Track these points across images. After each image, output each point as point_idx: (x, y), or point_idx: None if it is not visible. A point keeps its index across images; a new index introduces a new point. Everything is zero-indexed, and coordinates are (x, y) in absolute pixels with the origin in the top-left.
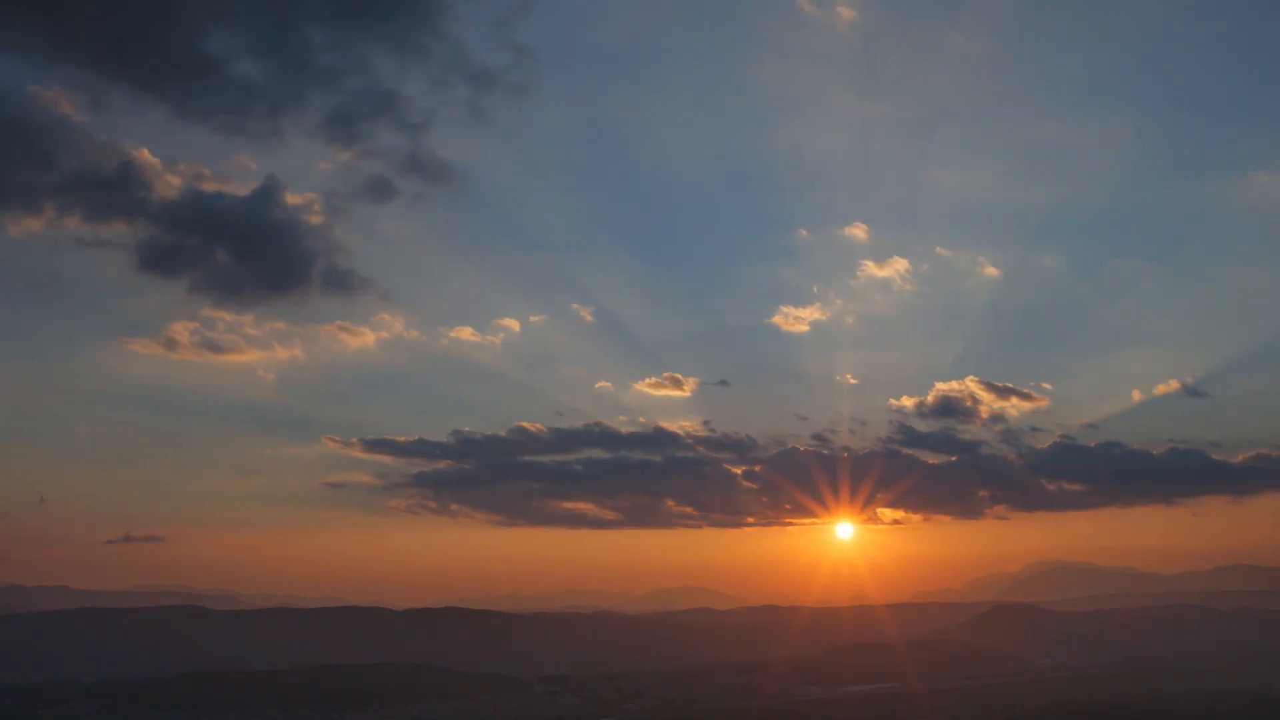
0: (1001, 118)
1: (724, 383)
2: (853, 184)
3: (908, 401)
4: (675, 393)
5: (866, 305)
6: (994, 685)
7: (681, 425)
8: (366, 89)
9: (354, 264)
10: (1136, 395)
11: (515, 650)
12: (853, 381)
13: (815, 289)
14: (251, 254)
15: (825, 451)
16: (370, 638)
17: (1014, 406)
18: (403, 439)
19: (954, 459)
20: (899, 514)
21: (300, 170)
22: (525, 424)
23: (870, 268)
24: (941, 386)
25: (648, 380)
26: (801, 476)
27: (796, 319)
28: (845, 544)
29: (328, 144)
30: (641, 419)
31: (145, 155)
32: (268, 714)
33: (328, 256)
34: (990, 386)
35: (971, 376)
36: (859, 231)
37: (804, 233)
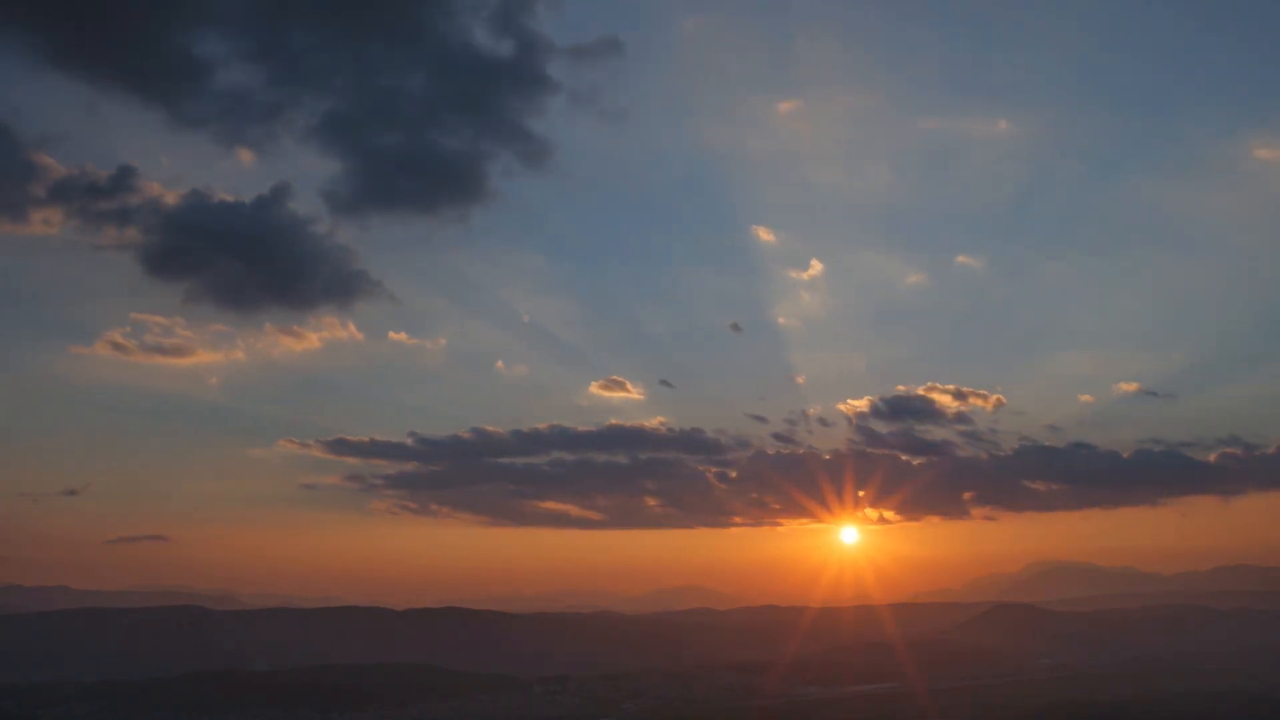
0: (907, 119)
1: (667, 384)
2: (769, 187)
3: (861, 403)
4: (626, 394)
5: (798, 309)
6: (994, 685)
7: (643, 425)
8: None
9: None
10: (1085, 397)
11: (515, 650)
12: (800, 382)
13: (743, 292)
14: (180, 257)
15: (801, 452)
16: (370, 638)
17: (974, 408)
18: (358, 439)
19: (932, 460)
20: (887, 514)
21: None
22: (486, 426)
23: (792, 273)
24: (901, 389)
25: (598, 382)
26: (786, 478)
27: (730, 323)
28: (841, 544)
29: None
30: (610, 420)
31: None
32: (268, 714)
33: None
34: (946, 390)
35: (930, 381)
36: (769, 235)
37: (725, 236)
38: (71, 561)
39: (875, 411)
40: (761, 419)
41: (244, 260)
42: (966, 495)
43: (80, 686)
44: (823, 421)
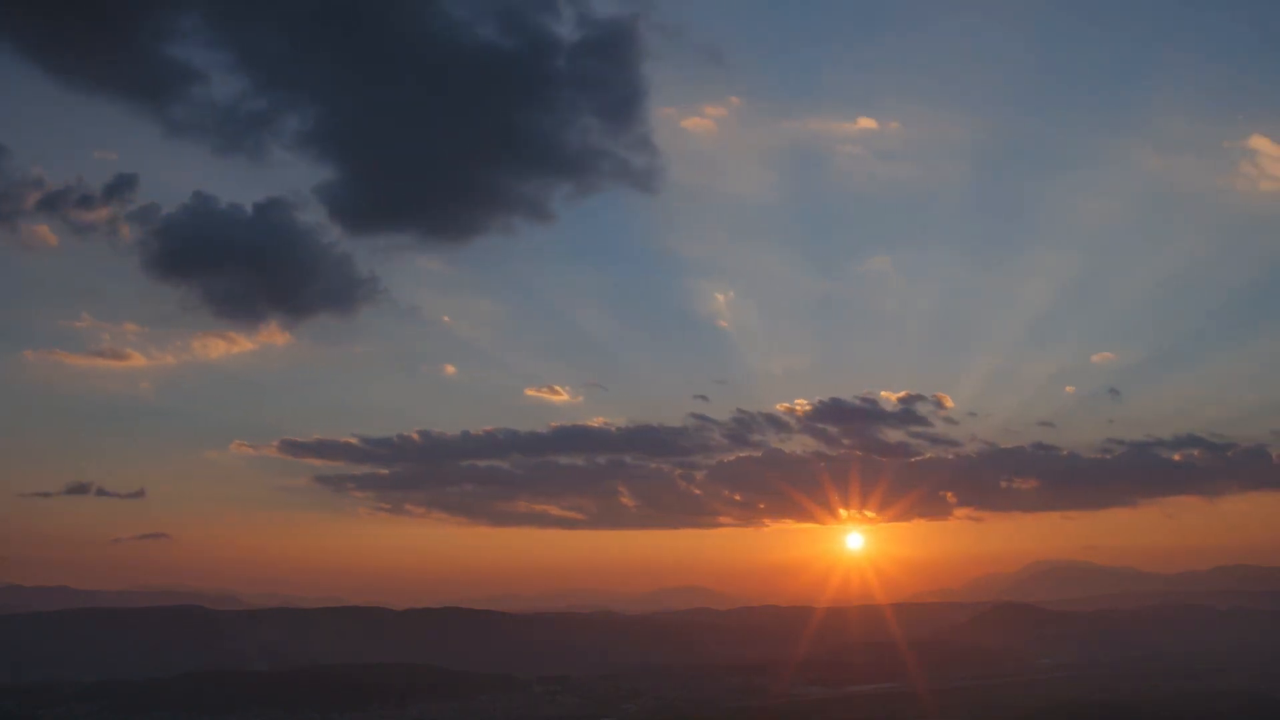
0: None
1: (599, 385)
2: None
3: (804, 404)
4: (563, 398)
5: (722, 312)
6: (994, 685)
7: (589, 424)
8: None
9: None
10: (1035, 397)
11: (515, 650)
12: (739, 382)
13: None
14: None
15: (762, 455)
16: (370, 638)
17: (925, 409)
18: (306, 441)
19: (904, 461)
20: (869, 514)
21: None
22: (431, 429)
23: (704, 281)
24: (844, 390)
25: (533, 385)
26: (760, 479)
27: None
28: (828, 545)
29: None
30: (551, 421)
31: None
32: (268, 714)
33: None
34: (894, 391)
35: (866, 383)
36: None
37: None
38: (72, 561)
39: (821, 413)
40: (708, 420)
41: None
42: (950, 496)
43: (80, 686)
44: (774, 423)
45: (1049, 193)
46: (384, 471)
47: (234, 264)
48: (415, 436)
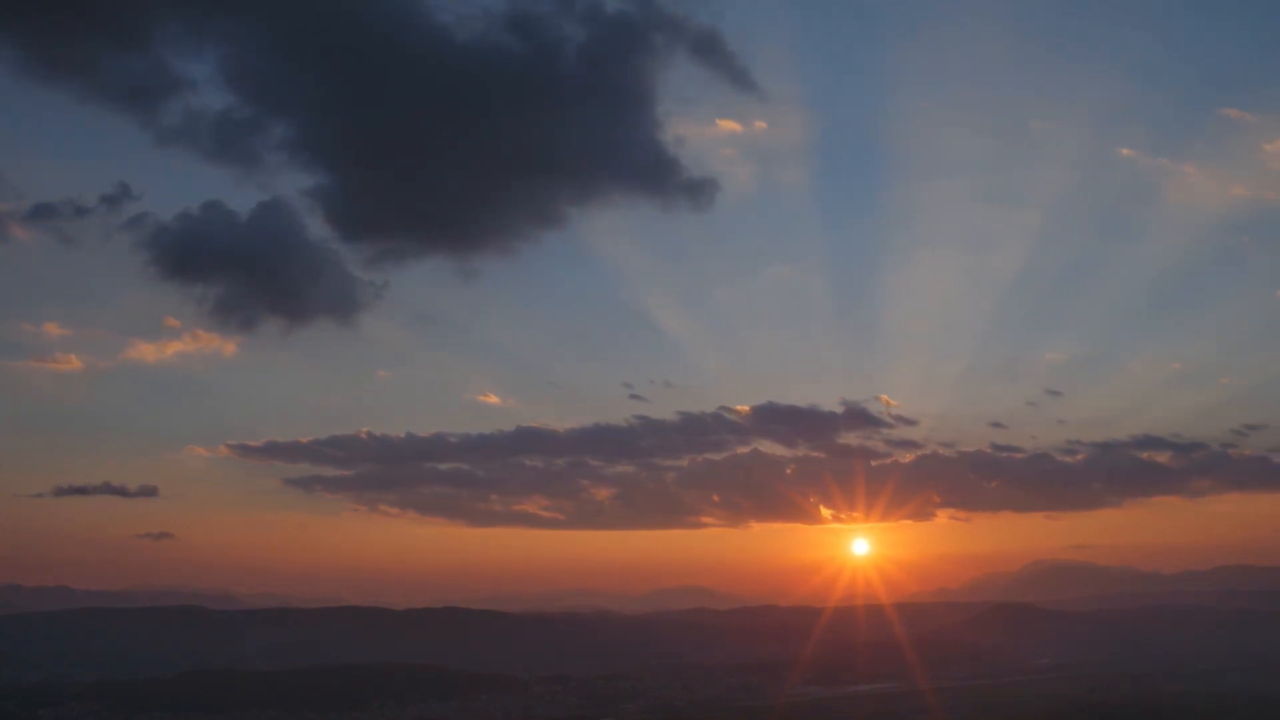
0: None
1: (543, 387)
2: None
3: (744, 408)
4: (498, 401)
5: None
6: (994, 685)
7: (543, 427)
8: None
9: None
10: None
11: (515, 650)
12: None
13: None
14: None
15: (745, 456)
16: (370, 638)
17: (877, 411)
18: (255, 444)
19: (867, 462)
20: (857, 515)
21: None
22: (375, 431)
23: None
24: (799, 396)
25: (473, 391)
26: (736, 482)
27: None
28: (829, 546)
29: None
30: (495, 425)
31: None
32: (268, 714)
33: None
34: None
35: (798, 385)
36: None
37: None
38: (72, 561)
39: (767, 415)
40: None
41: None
42: (935, 497)
43: (80, 686)
44: (728, 424)
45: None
46: (347, 473)
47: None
48: (363, 435)
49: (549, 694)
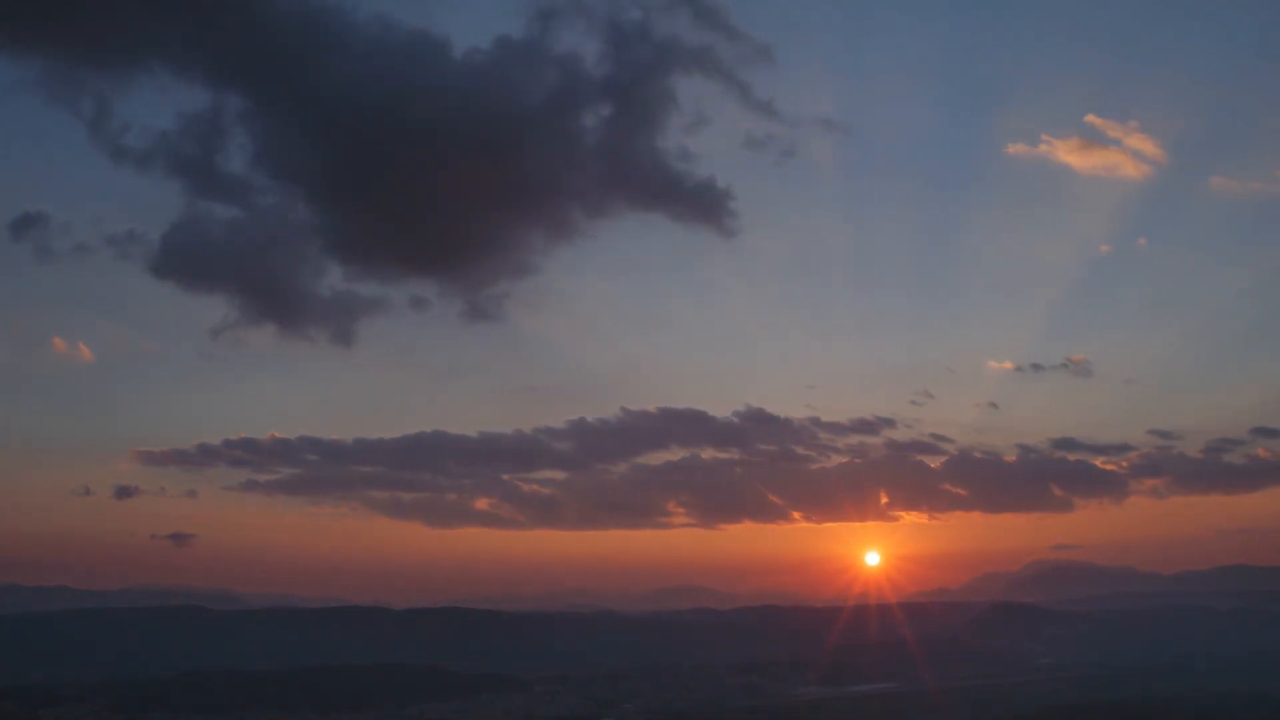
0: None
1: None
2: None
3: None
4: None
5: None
6: (994, 685)
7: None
8: None
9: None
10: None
11: (515, 650)
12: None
13: None
14: None
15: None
16: (370, 638)
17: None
18: (162, 450)
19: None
20: (798, 515)
21: None
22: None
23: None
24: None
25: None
26: (713, 483)
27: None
28: (833, 545)
29: None
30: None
31: None
32: (268, 714)
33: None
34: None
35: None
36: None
37: None
38: (72, 561)
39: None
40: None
41: None
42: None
43: (80, 686)
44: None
45: None
46: (347, 473)
47: None
48: (293, 439)
49: (549, 694)
